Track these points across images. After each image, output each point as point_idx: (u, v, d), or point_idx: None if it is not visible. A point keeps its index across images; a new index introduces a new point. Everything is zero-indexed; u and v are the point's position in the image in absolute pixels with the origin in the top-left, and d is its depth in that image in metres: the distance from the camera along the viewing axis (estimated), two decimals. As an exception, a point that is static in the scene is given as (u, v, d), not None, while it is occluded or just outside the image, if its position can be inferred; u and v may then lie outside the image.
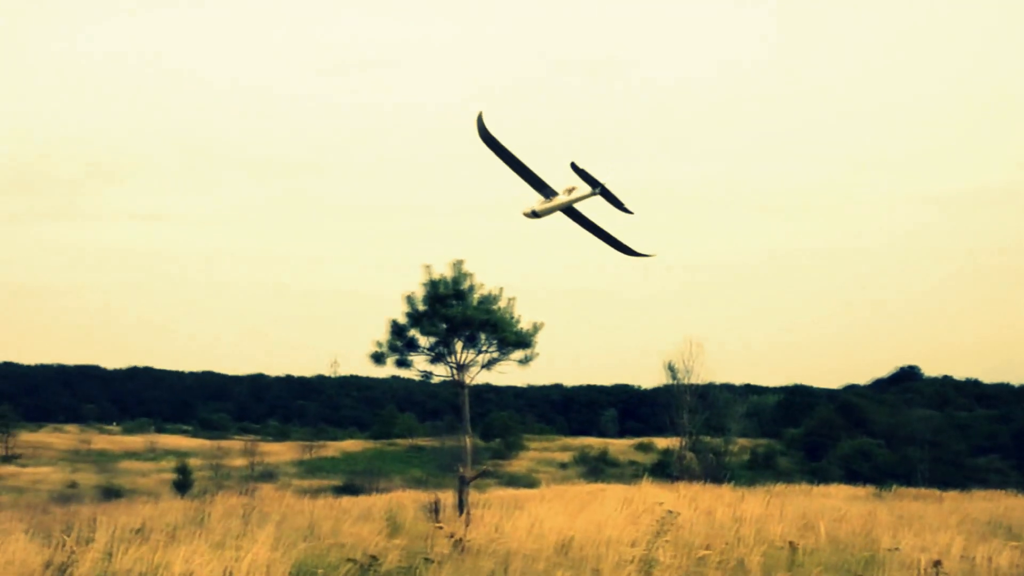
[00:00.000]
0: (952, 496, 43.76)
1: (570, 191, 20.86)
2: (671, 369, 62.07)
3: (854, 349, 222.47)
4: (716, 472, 57.72)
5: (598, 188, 20.35)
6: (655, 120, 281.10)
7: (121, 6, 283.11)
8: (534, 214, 21.60)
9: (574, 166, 20.05)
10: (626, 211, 20.46)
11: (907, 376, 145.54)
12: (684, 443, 62.28)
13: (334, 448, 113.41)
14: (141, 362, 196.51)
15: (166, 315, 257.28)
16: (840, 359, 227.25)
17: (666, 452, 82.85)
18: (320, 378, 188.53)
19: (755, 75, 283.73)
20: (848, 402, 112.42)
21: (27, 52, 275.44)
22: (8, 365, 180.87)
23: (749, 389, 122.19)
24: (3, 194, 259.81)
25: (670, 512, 17.86)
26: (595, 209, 21.20)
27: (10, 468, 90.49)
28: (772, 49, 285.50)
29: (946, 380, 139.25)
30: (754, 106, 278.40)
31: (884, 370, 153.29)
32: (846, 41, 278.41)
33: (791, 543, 16.90)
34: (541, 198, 21.33)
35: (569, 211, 21.38)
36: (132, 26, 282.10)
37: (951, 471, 75.50)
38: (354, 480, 72.08)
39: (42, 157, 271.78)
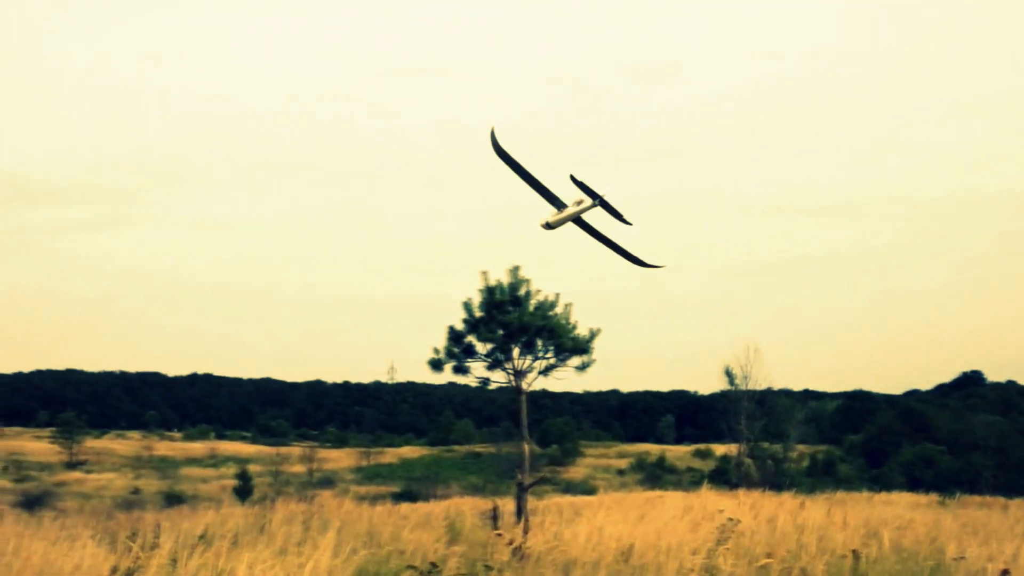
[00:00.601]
0: (1018, 504, 42.85)
1: (579, 203, 21.33)
2: (729, 375, 61.57)
3: (916, 354, 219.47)
4: (775, 479, 57.17)
5: (597, 200, 20.86)
6: (706, 123, 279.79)
7: (180, 18, 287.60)
8: (548, 225, 22.12)
9: (573, 179, 20.57)
10: (625, 222, 20.98)
11: (970, 381, 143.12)
12: (742, 449, 61.69)
13: (392, 454, 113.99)
14: (201, 369, 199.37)
15: (226, 322, 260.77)
16: (901, 364, 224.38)
17: (724, 459, 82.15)
18: (378, 384, 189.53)
19: (805, 77, 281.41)
20: (910, 408, 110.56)
21: (88, 61, 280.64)
22: (72, 372, 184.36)
23: (808, 395, 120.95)
24: (66, 203, 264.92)
25: (731, 519, 17.70)
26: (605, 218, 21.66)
27: (76, 474, 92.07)
28: (827, 44, 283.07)
29: (1010, 385, 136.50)
30: (808, 107, 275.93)
31: (947, 375, 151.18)
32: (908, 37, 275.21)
33: (854, 551, 16.66)
34: (554, 210, 21.83)
35: (579, 222, 21.86)
36: (191, 35, 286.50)
37: (1016, 478, 73.93)
38: (412, 486, 72.40)
39: (104, 166, 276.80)
